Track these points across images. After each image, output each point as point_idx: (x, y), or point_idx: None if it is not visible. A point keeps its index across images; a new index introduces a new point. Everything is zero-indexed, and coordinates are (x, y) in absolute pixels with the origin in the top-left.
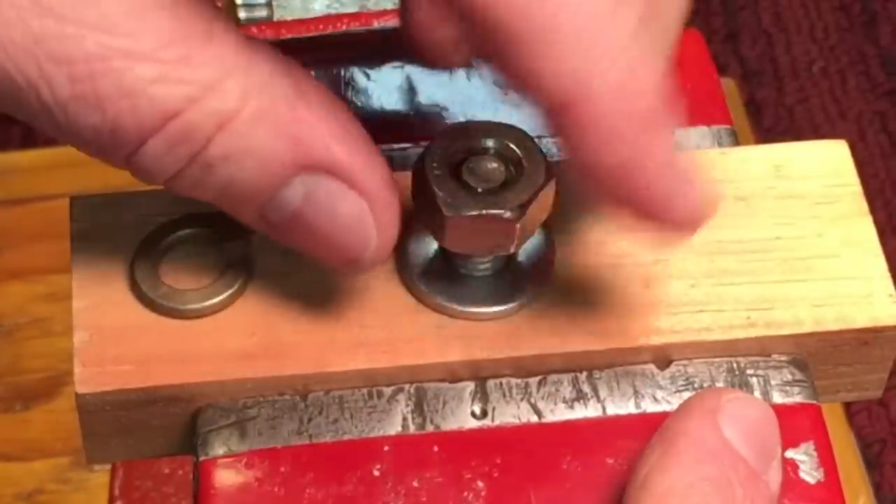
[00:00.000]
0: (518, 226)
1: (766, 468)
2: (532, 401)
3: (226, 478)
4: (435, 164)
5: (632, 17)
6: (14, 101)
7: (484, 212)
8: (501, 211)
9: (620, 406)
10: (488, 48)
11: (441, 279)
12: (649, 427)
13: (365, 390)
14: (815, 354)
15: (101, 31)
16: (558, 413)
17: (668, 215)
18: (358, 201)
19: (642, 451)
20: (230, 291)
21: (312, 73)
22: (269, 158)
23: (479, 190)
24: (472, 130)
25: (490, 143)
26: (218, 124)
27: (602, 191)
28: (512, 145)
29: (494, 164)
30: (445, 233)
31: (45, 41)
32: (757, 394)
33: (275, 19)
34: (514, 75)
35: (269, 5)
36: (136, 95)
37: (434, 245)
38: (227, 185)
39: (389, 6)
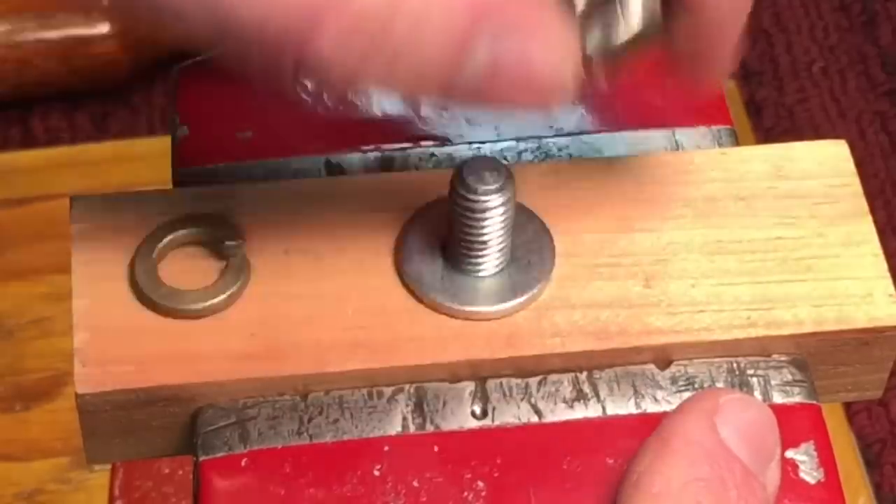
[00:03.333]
0: None
1: (763, 469)
2: (532, 401)
3: (226, 478)
4: None
5: None
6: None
7: None
8: None
9: (620, 406)
10: None
11: (441, 279)
12: (649, 427)
13: (365, 390)
14: (815, 354)
15: None
16: (558, 413)
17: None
18: (544, 40)
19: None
20: (230, 291)
21: None
22: (449, 26)
23: None
24: None
25: None
26: (390, 4)
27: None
28: None
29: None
30: None
31: None
32: (757, 394)
33: None
34: None
35: None
36: None
37: (435, 245)
38: (412, 67)
39: None
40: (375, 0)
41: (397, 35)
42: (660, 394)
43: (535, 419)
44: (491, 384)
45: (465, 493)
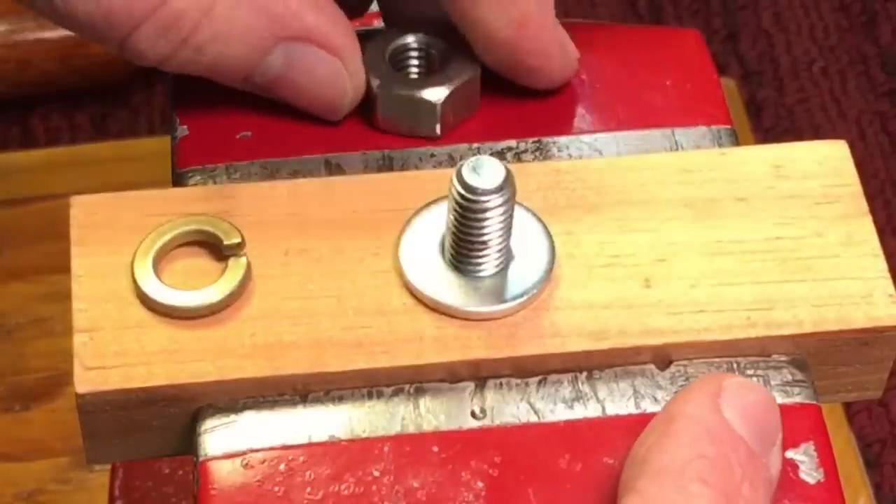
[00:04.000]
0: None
1: (766, 451)
2: (531, 401)
3: (226, 478)
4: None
5: None
6: None
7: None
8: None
9: (620, 406)
10: None
11: (440, 279)
12: None
13: (365, 390)
14: (815, 354)
15: None
16: (558, 413)
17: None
18: (332, 60)
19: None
20: (230, 291)
21: None
22: (252, 35)
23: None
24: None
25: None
26: (203, 10)
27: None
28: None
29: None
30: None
31: None
32: None
33: None
34: None
35: None
36: None
37: (433, 244)
38: (215, 62)
39: None
40: (190, 4)
41: (204, 34)
42: (659, 394)
43: (534, 419)
44: (490, 384)
45: (465, 493)
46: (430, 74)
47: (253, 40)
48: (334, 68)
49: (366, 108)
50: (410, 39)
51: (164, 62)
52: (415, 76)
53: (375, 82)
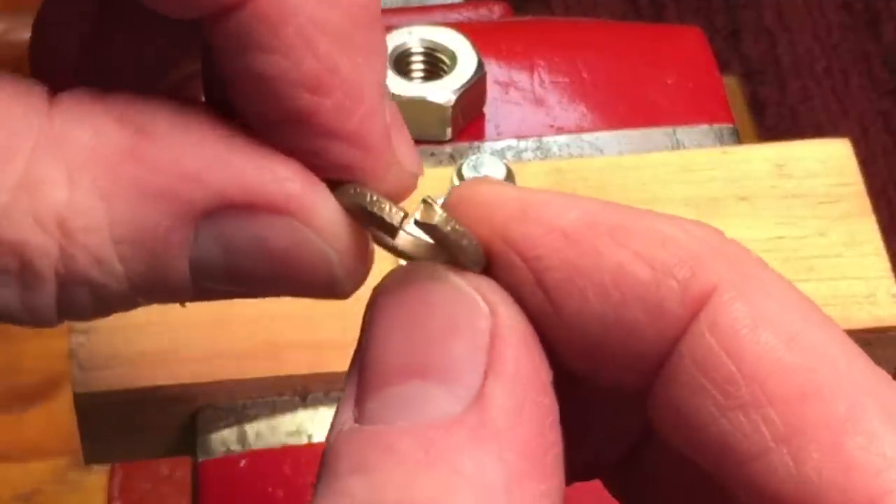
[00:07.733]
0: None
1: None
2: None
3: (225, 478)
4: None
5: None
6: None
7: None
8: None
9: None
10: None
11: None
12: None
13: None
14: None
15: None
16: None
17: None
18: (279, 221)
19: None
20: None
21: None
22: (145, 235)
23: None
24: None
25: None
26: (58, 230)
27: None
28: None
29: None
30: None
31: None
32: None
33: None
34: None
35: None
36: None
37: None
38: (142, 280)
39: (389, 5)
40: (27, 231)
41: (84, 264)
42: None
43: None
44: None
45: None
46: (436, 77)
47: (151, 241)
48: (289, 232)
49: None
50: (414, 42)
51: (63, 318)
52: (419, 80)
53: None
